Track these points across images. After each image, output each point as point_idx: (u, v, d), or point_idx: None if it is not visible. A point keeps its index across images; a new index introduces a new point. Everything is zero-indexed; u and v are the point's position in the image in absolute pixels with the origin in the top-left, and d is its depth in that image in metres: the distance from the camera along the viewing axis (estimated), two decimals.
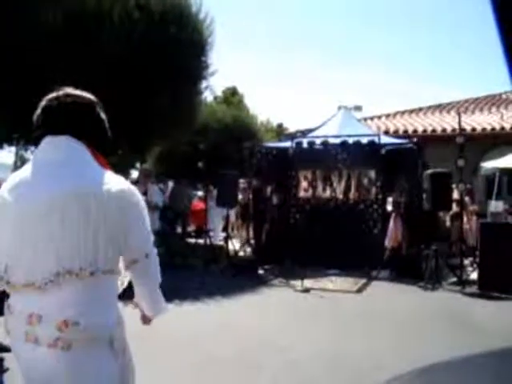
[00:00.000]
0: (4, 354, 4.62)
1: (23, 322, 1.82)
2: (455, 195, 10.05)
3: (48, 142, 1.93)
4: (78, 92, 2.04)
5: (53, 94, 2.00)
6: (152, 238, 2.09)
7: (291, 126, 35.56)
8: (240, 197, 12.96)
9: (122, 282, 2.16)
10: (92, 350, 1.84)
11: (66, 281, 1.79)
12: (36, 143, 1.99)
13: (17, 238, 1.86)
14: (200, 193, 17.84)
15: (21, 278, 1.84)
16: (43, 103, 2.00)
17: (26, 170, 1.95)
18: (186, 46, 10.48)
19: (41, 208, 1.81)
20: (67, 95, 2.00)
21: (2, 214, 1.91)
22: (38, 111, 2.00)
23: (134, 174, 19.74)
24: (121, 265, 2.04)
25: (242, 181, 12.56)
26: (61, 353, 1.78)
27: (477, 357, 1.19)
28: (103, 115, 2.08)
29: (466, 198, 10.72)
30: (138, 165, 18.36)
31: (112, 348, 1.92)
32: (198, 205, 15.49)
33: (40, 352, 1.79)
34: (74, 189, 1.82)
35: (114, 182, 1.91)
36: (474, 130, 15.56)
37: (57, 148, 1.91)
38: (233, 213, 13.63)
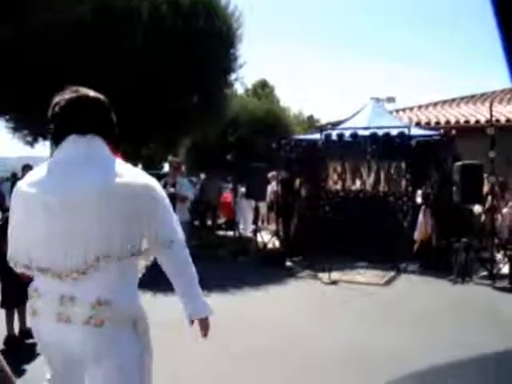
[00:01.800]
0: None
1: (55, 304, 1.97)
2: (485, 188, 9.86)
3: (73, 140, 2.05)
4: (91, 92, 2.15)
5: (72, 94, 2.10)
6: (179, 228, 2.20)
7: (323, 118, 35.37)
8: (270, 189, 13.02)
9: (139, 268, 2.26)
10: (120, 328, 2.00)
11: (103, 265, 1.95)
12: (56, 138, 2.10)
13: (43, 228, 1.97)
14: (231, 185, 17.97)
15: (51, 265, 1.97)
16: (62, 102, 2.08)
17: (48, 166, 2.06)
18: (214, 39, 10.57)
19: (76, 201, 1.95)
20: (87, 95, 2.12)
21: (25, 205, 2.02)
22: (57, 109, 2.09)
23: (167, 166, 19.99)
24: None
25: (272, 173, 12.61)
26: (93, 329, 1.94)
27: (476, 359, 1.20)
28: (113, 114, 2.20)
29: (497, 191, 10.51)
30: (170, 158, 18.58)
31: (135, 328, 2.07)
32: (228, 197, 15.59)
33: (73, 330, 1.94)
34: (106, 183, 1.96)
35: (138, 175, 2.07)
36: (508, 120, 15.22)
37: (84, 146, 2.04)
38: (263, 205, 13.69)
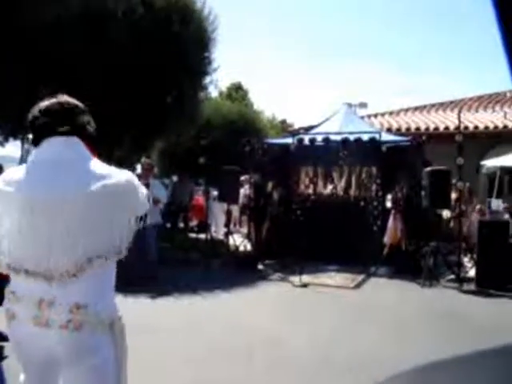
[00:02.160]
0: (3, 343, 4.73)
1: (32, 308, 1.98)
2: (454, 193, 10.08)
3: (58, 141, 2.11)
4: (68, 98, 2.25)
5: (52, 100, 2.19)
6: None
7: (296, 122, 35.53)
8: (243, 192, 13.05)
9: None
10: (97, 330, 2.02)
11: (95, 266, 2.00)
12: (35, 143, 2.15)
13: (25, 228, 1.99)
14: (202, 188, 17.96)
15: (35, 267, 1.98)
16: (42, 107, 2.17)
17: (28, 166, 2.10)
18: (189, 42, 10.57)
19: (61, 201, 1.98)
20: (67, 102, 2.22)
21: (4, 204, 2.05)
22: (36, 113, 2.16)
23: (139, 168, 19.86)
24: None
25: (245, 177, 12.65)
26: (71, 333, 1.97)
27: (477, 355, 1.21)
28: (91, 117, 2.30)
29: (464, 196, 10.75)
30: (142, 159, 18.46)
31: (112, 330, 2.09)
32: (199, 200, 15.59)
33: (51, 334, 1.96)
34: (89, 184, 2.01)
35: (119, 173, 2.14)
36: (476, 128, 15.57)
37: (68, 147, 2.11)
38: (235, 208, 13.72)
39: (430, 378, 1.06)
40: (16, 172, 2.11)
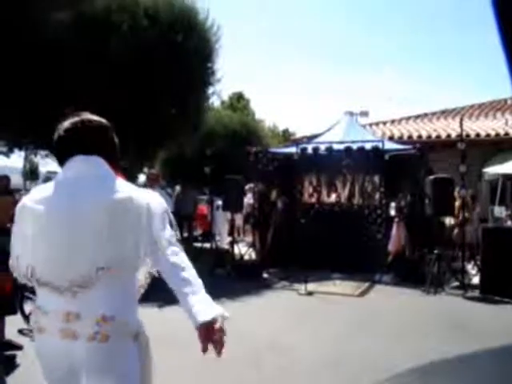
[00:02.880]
0: (15, 352, 4.80)
1: (59, 320, 2.02)
2: (457, 201, 10.15)
3: (80, 160, 2.17)
4: (94, 117, 2.30)
5: (75, 119, 2.24)
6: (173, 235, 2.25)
7: (298, 131, 35.66)
8: (247, 201, 13.12)
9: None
10: (123, 342, 2.08)
11: (104, 278, 2.02)
12: (60, 162, 2.24)
13: (51, 242, 2.06)
14: (206, 197, 18.02)
15: (55, 278, 2.04)
16: (66, 126, 2.23)
17: (54, 184, 2.17)
18: (193, 54, 10.68)
19: (81, 216, 2.05)
20: (88, 120, 2.26)
21: (31, 220, 2.11)
22: (61, 133, 2.23)
23: (142, 178, 19.94)
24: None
25: (249, 186, 12.74)
26: (99, 345, 2.01)
27: (477, 356, 1.23)
28: (115, 138, 2.35)
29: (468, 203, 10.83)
30: (146, 169, 18.55)
31: (137, 341, 2.15)
32: (203, 209, 15.64)
33: (78, 346, 2.00)
34: (110, 198, 2.07)
35: (139, 190, 2.19)
36: (478, 135, 15.63)
37: (90, 165, 2.17)
38: (240, 217, 13.78)
39: (429, 378, 1.12)
40: (43, 190, 2.18)
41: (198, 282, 2.22)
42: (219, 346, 2.22)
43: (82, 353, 2.01)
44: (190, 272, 2.23)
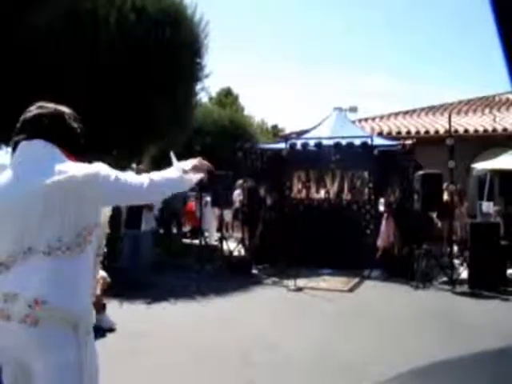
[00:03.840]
0: None
1: (0, 301, 2.04)
2: (445, 196, 10.19)
3: (23, 145, 2.22)
4: (50, 105, 2.33)
5: (31, 107, 2.30)
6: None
7: (287, 128, 35.66)
8: (236, 197, 13.08)
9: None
10: (57, 328, 2.03)
11: (34, 259, 2.05)
12: (13, 149, 2.28)
13: None
14: (208, 198, 17.97)
15: None
16: (24, 114, 2.30)
17: (5, 173, 2.23)
18: (181, 49, 10.60)
19: (18, 201, 2.09)
20: (40, 107, 2.31)
21: None
22: (19, 121, 2.30)
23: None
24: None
25: (239, 181, 12.71)
26: (29, 328, 1.99)
27: (476, 356, 1.22)
28: (74, 124, 2.35)
29: (446, 198, 10.89)
30: (134, 165, 18.45)
31: (76, 334, 2.08)
32: (192, 205, 15.58)
33: (10, 327, 2.01)
34: (46, 181, 2.08)
35: (79, 168, 2.15)
36: (466, 131, 15.72)
37: (30, 149, 2.21)
38: (227, 212, 13.74)
39: (429, 378, 1.10)
40: None
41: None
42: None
43: (14, 334, 2.02)
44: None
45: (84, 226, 2.12)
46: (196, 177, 2.46)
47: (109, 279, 6.16)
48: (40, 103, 2.33)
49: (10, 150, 2.38)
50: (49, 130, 2.24)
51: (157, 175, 2.31)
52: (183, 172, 2.40)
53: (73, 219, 2.09)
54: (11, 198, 2.10)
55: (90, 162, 2.23)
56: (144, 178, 2.25)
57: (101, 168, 2.19)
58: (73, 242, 2.09)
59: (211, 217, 14.04)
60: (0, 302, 2.03)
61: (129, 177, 2.23)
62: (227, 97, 33.48)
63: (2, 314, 2.01)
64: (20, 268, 2.05)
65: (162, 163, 13.55)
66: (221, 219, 12.28)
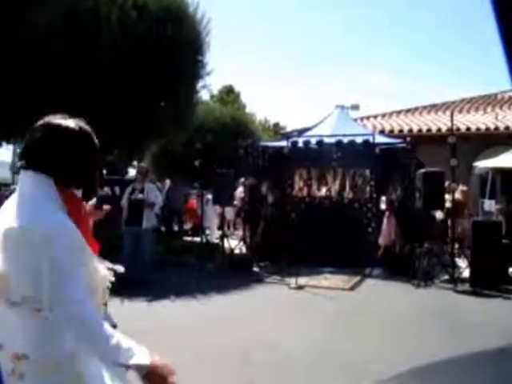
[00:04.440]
0: None
1: None
2: (456, 195, 10.20)
3: (20, 178, 1.90)
4: (56, 121, 1.89)
5: (38, 123, 1.90)
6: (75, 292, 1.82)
7: (288, 125, 35.65)
8: (238, 195, 13.08)
9: None
10: (42, 378, 1.90)
11: (12, 310, 1.84)
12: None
13: None
14: (209, 196, 17.99)
15: None
16: (29, 133, 1.91)
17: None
18: (182, 46, 10.58)
19: None
20: (43, 126, 1.88)
21: None
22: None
23: (132, 172, 19.85)
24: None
25: (241, 179, 12.71)
26: (17, 382, 1.86)
27: (476, 355, 1.21)
28: (84, 145, 1.93)
29: (459, 197, 10.88)
30: (135, 163, 18.46)
31: (61, 372, 1.94)
32: (194, 203, 15.58)
33: (6, 378, 1.87)
34: (13, 228, 1.78)
35: (45, 223, 1.78)
36: (468, 129, 15.69)
37: (22, 184, 1.88)
38: (227, 210, 13.72)
39: (429, 378, 1.09)
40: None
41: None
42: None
43: None
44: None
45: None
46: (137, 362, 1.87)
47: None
48: (48, 119, 1.89)
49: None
50: (47, 158, 1.84)
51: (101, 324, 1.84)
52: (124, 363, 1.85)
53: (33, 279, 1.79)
54: None
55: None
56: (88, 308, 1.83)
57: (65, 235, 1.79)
58: (35, 300, 1.83)
59: (212, 214, 14.04)
60: None
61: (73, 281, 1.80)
62: (229, 94, 33.45)
63: None
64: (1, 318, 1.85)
65: (163, 160, 13.61)
66: (222, 217, 12.27)
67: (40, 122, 1.88)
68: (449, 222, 10.80)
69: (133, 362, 1.82)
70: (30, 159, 1.85)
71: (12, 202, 1.86)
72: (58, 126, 1.87)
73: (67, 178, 1.88)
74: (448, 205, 10.07)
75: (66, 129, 1.88)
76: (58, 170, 1.85)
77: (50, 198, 1.83)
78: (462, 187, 10.77)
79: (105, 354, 1.86)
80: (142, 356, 1.85)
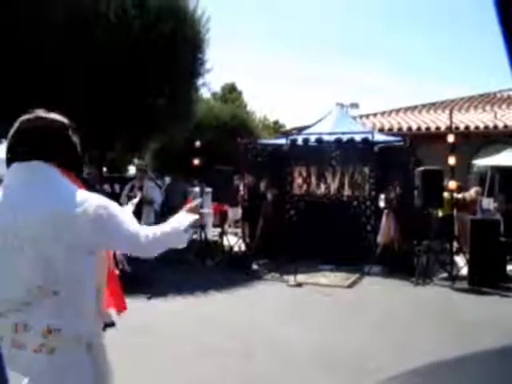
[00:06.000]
0: None
1: (10, 331, 1.96)
2: (467, 194, 10.26)
3: (16, 167, 2.00)
4: (49, 115, 2.09)
5: (24, 117, 2.05)
6: (139, 227, 2.15)
7: (288, 123, 35.66)
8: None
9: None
10: (72, 353, 2.00)
11: (43, 296, 1.93)
12: (7, 165, 2.06)
13: None
14: (197, 189, 17.96)
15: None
16: (16, 125, 2.05)
17: None
18: (182, 44, 10.57)
19: (17, 231, 1.91)
20: (37, 119, 2.05)
21: None
22: (11, 133, 2.05)
23: (132, 170, 19.87)
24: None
25: (236, 176, 12.70)
26: (45, 356, 1.94)
27: (478, 356, 1.21)
28: (73, 138, 2.14)
29: (473, 195, 11.02)
30: (135, 160, 18.47)
31: (89, 351, 2.06)
32: (191, 201, 15.56)
33: (26, 356, 1.94)
34: (46, 210, 1.91)
35: (86, 199, 1.99)
36: (467, 128, 15.70)
37: (25, 172, 1.99)
38: (235, 211, 13.75)
39: (429, 378, 1.09)
40: None
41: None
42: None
43: (30, 364, 1.94)
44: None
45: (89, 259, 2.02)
46: (191, 219, 2.36)
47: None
48: (35, 113, 2.06)
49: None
50: (47, 146, 2.03)
51: (159, 230, 2.18)
52: (184, 226, 2.29)
53: (77, 255, 1.98)
54: (13, 230, 1.92)
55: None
56: (148, 231, 2.13)
57: (105, 206, 2.02)
58: (78, 277, 2.00)
59: (209, 211, 14.02)
60: (10, 332, 1.95)
61: (133, 225, 2.10)
62: (231, 92, 33.46)
63: (15, 344, 1.94)
64: (33, 303, 1.95)
65: (163, 158, 13.58)
66: (224, 214, 12.28)
67: (28, 117, 2.05)
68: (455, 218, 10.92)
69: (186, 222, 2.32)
70: (32, 149, 2.00)
71: (21, 189, 1.97)
72: (51, 119, 2.08)
73: (65, 162, 2.08)
74: (459, 196, 10.30)
75: (63, 124, 2.11)
76: (57, 156, 2.05)
77: (61, 178, 2.03)
78: (475, 187, 11.22)
79: (180, 237, 2.30)
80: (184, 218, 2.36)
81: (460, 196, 11.35)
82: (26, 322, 1.96)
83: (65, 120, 2.14)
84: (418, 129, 16.30)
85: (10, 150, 2.04)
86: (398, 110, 19.60)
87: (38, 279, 1.94)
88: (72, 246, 1.94)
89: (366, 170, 11.06)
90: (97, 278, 2.11)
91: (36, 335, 1.95)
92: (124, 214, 2.13)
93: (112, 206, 2.07)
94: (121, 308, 2.50)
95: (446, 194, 10.03)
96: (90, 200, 2.00)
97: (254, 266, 10.40)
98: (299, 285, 8.71)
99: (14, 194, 1.97)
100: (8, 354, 1.92)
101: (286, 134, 12.92)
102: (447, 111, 16.87)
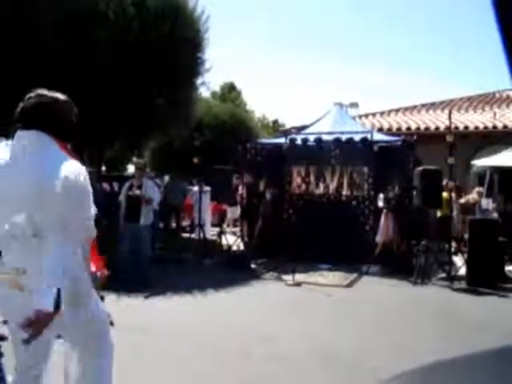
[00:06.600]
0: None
1: (13, 274, 2.33)
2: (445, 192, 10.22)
3: (18, 135, 2.38)
4: (49, 93, 2.47)
5: (31, 94, 2.45)
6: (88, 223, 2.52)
7: (287, 123, 35.58)
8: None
9: None
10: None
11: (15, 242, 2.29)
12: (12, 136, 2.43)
13: None
14: (196, 188, 17.96)
15: None
16: (22, 103, 2.45)
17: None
18: (181, 43, 10.56)
19: (9, 194, 2.30)
20: (40, 96, 2.45)
21: None
22: (18, 107, 2.45)
23: (131, 168, 19.86)
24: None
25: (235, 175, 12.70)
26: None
27: (478, 356, 1.22)
28: (71, 113, 2.52)
29: (475, 196, 11.04)
30: (134, 159, 18.45)
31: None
32: (191, 200, 15.58)
33: (29, 297, 2.25)
34: (35, 172, 2.28)
35: (66, 166, 2.32)
36: (466, 128, 15.71)
37: (24, 139, 2.36)
38: (234, 210, 13.74)
39: (429, 378, 1.10)
40: None
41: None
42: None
43: (26, 301, 2.23)
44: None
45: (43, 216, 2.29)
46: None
47: (106, 272, 6.17)
48: (39, 91, 2.44)
49: (9, 142, 2.44)
50: (45, 119, 2.38)
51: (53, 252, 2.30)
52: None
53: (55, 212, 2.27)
54: (7, 184, 2.30)
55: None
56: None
57: (80, 175, 2.35)
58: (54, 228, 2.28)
59: (208, 209, 14.02)
60: (14, 275, 2.28)
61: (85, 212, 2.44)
62: (230, 92, 33.44)
63: (16, 285, 2.26)
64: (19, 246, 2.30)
65: (162, 156, 13.56)
66: (223, 213, 12.28)
67: (40, 95, 2.44)
68: (458, 219, 10.95)
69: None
70: (31, 120, 2.38)
71: (17, 153, 2.34)
72: (56, 99, 2.47)
73: (60, 132, 2.44)
74: (462, 201, 10.28)
75: (61, 100, 2.49)
76: (53, 127, 2.41)
77: (53, 145, 2.39)
78: (477, 188, 11.38)
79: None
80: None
81: (463, 201, 11.41)
82: (23, 266, 2.30)
83: (63, 97, 2.50)
84: (418, 129, 16.31)
85: (16, 121, 2.42)
86: (397, 110, 19.60)
87: (11, 230, 2.28)
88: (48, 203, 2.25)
89: (365, 169, 11.07)
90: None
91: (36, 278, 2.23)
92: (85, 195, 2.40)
93: (80, 179, 2.35)
94: (100, 269, 2.98)
95: (444, 194, 10.03)
96: (68, 166, 2.32)
97: (253, 266, 10.40)
98: (298, 284, 8.71)
99: (12, 161, 2.34)
100: (13, 296, 2.31)
101: (285, 133, 12.89)
102: (446, 111, 16.85)
